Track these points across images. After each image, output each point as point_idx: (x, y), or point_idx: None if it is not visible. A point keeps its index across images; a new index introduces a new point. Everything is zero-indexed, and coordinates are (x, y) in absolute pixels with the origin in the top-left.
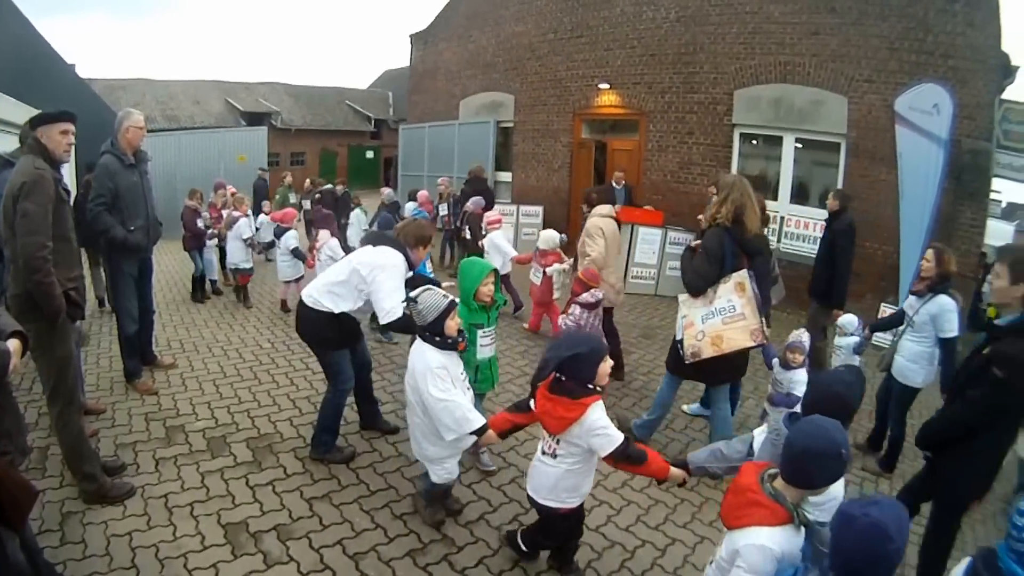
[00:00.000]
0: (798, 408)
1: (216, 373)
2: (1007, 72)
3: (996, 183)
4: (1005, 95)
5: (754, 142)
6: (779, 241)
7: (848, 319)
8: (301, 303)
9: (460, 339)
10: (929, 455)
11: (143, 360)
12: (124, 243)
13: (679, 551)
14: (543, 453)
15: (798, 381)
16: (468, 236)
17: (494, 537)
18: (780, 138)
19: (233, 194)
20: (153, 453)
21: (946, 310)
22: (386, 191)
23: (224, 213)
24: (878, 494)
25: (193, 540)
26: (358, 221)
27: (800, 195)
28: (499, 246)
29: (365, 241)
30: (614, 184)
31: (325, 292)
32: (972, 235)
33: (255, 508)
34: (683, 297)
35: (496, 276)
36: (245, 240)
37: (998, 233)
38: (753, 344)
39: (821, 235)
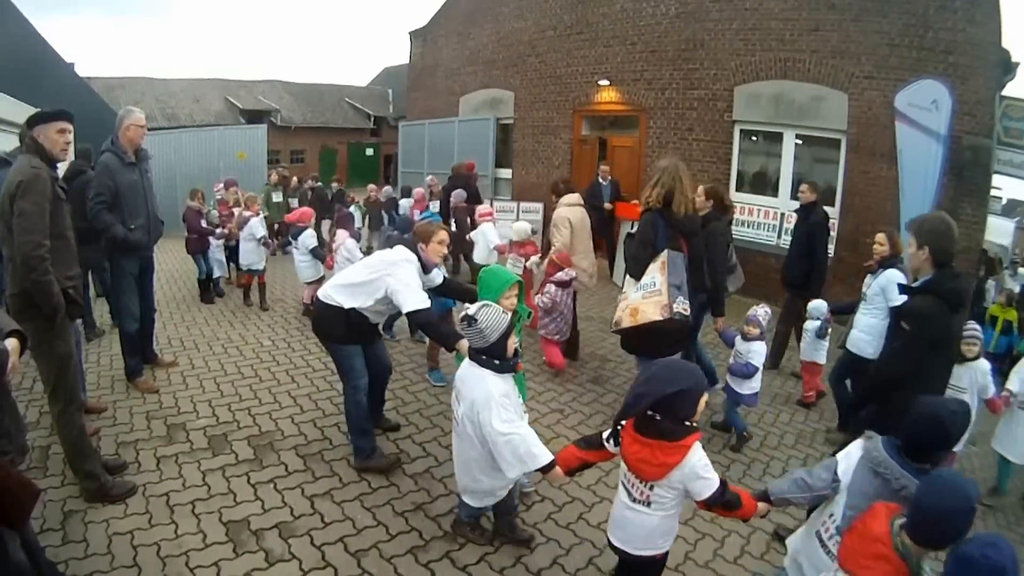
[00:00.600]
0: (871, 434)
1: (217, 371)
2: (1008, 68)
3: (996, 180)
4: (1005, 92)
5: (754, 139)
6: (779, 237)
7: (817, 304)
8: (317, 300)
9: (517, 359)
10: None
11: (144, 358)
12: (124, 241)
13: (680, 548)
14: (634, 500)
15: (755, 352)
16: (454, 229)
17: None
18: (780, 134)
19: (241, 193)
20: (154, 451)
21: (894, 281)
22: (385, 188)
23: (235, 211)
24: (992, 533)
25: (195, 538)
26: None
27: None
28: (488, 237)
29: (384, 245)
30: (600, 180)
31: (338, 288)
32: (973, 232)
33: (256, 506)
34: (627, 279)
35: (520, 289)
36: (258, 239)
37: (998, 229)
38: (660, 319)
39: (793, 227)
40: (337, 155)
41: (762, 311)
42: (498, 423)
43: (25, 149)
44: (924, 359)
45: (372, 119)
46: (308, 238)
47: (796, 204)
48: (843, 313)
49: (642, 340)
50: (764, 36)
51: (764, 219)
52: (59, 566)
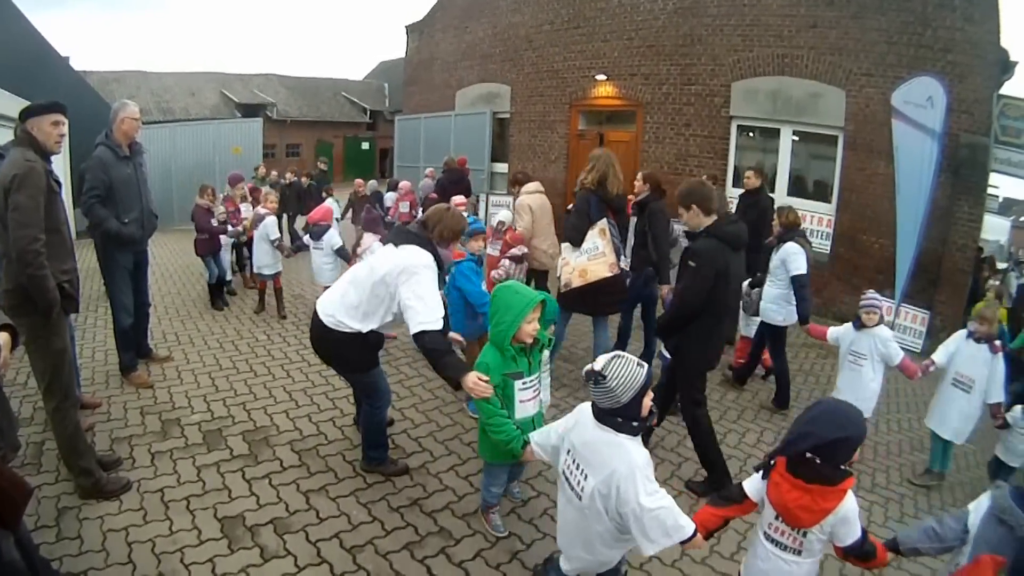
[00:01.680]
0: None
1: (212, 366)
2: (1006, 68)
3: (993, 178)
4: (1003, 90)
5: (751, 134)
6: None
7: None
8: (318, 322)
9: (653, 416)
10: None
11: (139, 353)
12: (118, 235)
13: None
14: (784, 548)
15: None
16: None
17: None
18: (777, 130)
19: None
20: (149, 447)
21: (791, 253)
22: (371, 182)
23: (243, 208)
24: None
25: (190, 534)
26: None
27: (797, 188)
28: None
29: (387, 240)
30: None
31: (349, 311)
32: (969, 229)
33: (251, 502)
34: (565, 246)
35: (543, 308)
36: (272, 241)
37: (995, 228)
38: (609, 274)
39: (736, 210)
40: (333, 149)
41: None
42: (645, 498)
43: (18, 142)
44: (711, 290)
45: (368, 113)
46: (334, 237)
47: (794, 200)
48: (760, 286)
49: (585, 299)
50: (762, 32)
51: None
52: (53, 563)
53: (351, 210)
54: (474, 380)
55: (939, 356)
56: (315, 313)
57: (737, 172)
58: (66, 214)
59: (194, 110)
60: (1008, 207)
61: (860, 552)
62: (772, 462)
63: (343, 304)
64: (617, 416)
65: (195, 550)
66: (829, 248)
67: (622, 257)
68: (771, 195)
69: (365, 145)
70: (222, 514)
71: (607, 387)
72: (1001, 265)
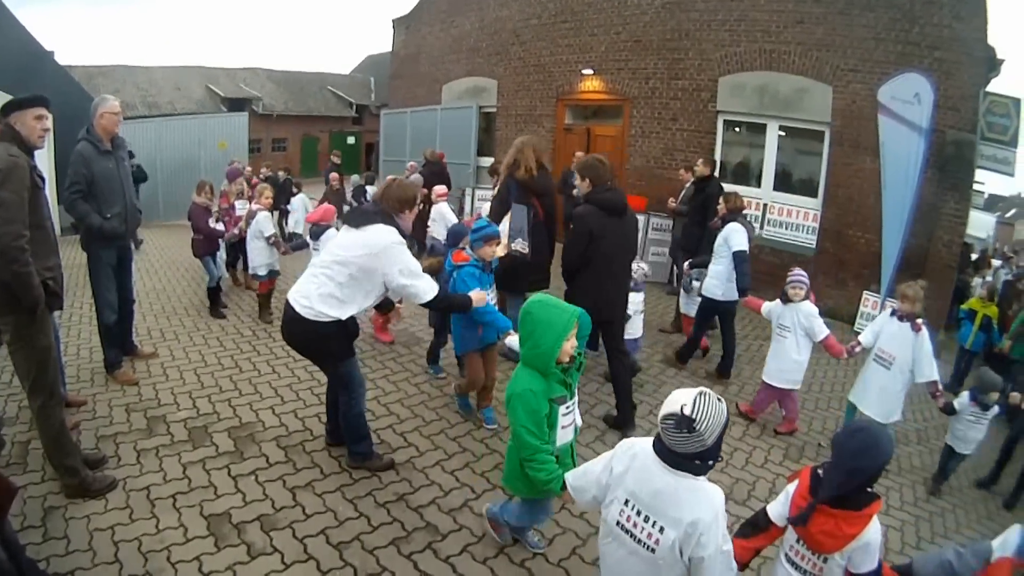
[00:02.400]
0: None
1: (197, 362)
2: (992, 65)
3: (979, 174)
4: (990, 88)
5: (737, 129)
6: (762, 228)
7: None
8: (293, 313)
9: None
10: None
11: (124, 350)
12: (100, 231)
13: None
14: (802, 573)
15: (632, 302)
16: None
17: (477, 525)
18: (764, 126)
19: (255, 183)
20: (134, 445)
21: (733, 231)
22: (353, 177)
23: (238, 206)
24: None
25: (176, 532)
26: (302, 207)
27: (783, 183)
28: (444, 215)
29: (346, 222)
30: (573, 168)
31: (325, 299)
32: (955, 225)
33: (238, 499)
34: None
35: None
36: (268, 238)
37: (980, 224)
38: (502, 254)
39: (690, 198)
40: (319, 143)
41: (635, 266)
42: (724, 543)
43: (1, 137)
44: (588, 249)
45: (354, 107)
46: (332, 237)
47: (780, 195)
48: (703, 267)
49: (508, 279)
50: (749, 27)
51: (746, 210)
52: (40, 564)
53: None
54: (479, 296)
55: (865, 337)
56: (288, 304)
57: (724, 167)
58: (50, 210)
59: (180, 104)
60: (993, 204)
61: None
62: (815, 506)
63: (319, 293)
64: (695, 459)
65: (182, 548)
66: (815, 243)
67: (519, 240)
68: (722, 183)
69: (351, 139)
70: (208, 511)
71: (697, 433)
72: (995, 262)
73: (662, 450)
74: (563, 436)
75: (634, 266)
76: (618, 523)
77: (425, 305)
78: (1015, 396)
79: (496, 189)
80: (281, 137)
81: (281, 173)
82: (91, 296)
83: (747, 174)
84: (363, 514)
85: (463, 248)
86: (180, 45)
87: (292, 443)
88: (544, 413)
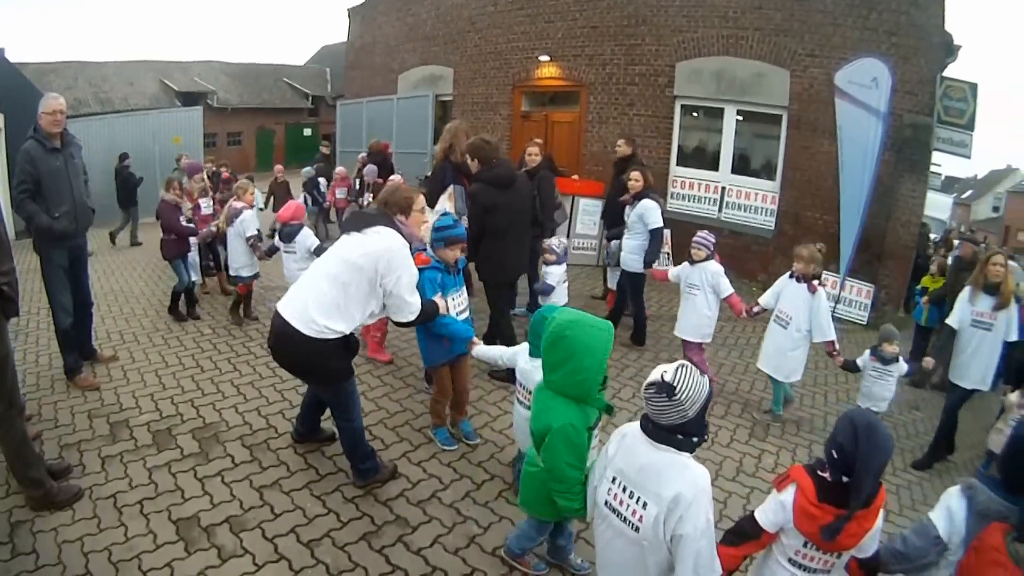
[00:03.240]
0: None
1: (158, 363)
2: (949, 51)
3: (936, 157)
4: (947, 73)
5: (695, 114)
6: (720, 211)
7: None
8: (292, 332)
9: (707, 432)
10: None
11: (83, 355)
12: (49, 231)
13: None
14: (811, 572)
15: (551, 273)
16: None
17: (447, 515)
18: (721, 110)
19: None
20: (98, 452)
21: (648, 208)
22: (305, 169)
23: (202, 204)
24: None
25: (145, 540)
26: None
27: (741, 166)
28: None
29: (347, 227)
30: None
31: (326, 312)
32: (913, 206)
33: (205, 501)
34: (425, 208)
35: None
36: (248, 239)
37: (938, 205)
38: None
39: (613, 178)
40: (275, 136)
41: (557, 241)
42: (704, 523)
43: None
44: (486, 220)
45: (310, 99)
46: (307, 238)
47: (738, 178)
48: (617, 238)
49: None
50: (707, 13)
51: (704, 193)
52: None
53: (272, 198)
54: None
55: (765, 298)
56: (281, 319)
57: (681, 151)
58: (3, 213)
59: (133, 100)
60: (950, 185)
61: (873, 564)
62: (848, 516)
63: (321, 306)
64: (677, 433)
65: (152, 555)
66: (774, 225)
67: (464, 218)
68: (643, 162)
69: (307, 131)
70: (176, 516)
71: (677, 400)
72: (955, 242)
73: (647, 426)
74: (591, 456)
75: (555, 241)
76: (606, 503)
77: (402, 324)
78: (928, 361)
79: (432, 172)
80: (236, 131)
81: (222, 169)
82: (47, 301)
83: (705, 158)
84: (332, 510)
85: (423, 250)
86: (133, 39)
87: (257, 441)
88: (585, 444)
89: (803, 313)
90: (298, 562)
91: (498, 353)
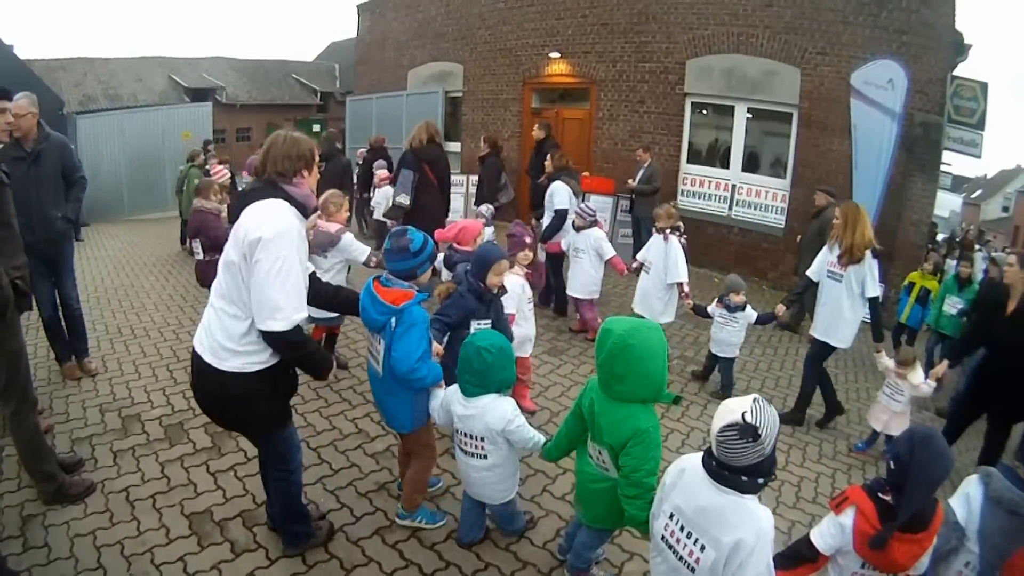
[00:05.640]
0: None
1: (169, 358)
2: (960, 50)
3: (946, 156)
4: (957, 72)
5: (705, 111)
6: (730, 209)
7: (484, 208)
8: (211, 371)
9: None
10: None
11: (75, 353)
12: None
13: None
14: None
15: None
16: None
17: (457, 509)
18: (732, 108)
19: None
20: (110, 446)
21: (555, 191)
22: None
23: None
24: None
25: (158, 534)
26: None
27: (752, 164)
28: (389, 199)
29: (232, 221)
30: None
31: (232, 333)
32: (923, 205)
33: (218, 495)
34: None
35: None
36: (367, 263)
37: (947, 204)
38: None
39: (643, 177)
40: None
41: (485, 207)
42: (766, 569)
43: None
44: (418, 190)
45: (319, 95)
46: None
47: (748, 176)
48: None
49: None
50: (717, 10)
51: (715, 190)
52: (23, 575)
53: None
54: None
55: (641, 253)
56: (200, 361)
57: (692, 148)
58: (14, 208)
59: (142, 96)
60: (959, 185)
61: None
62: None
63: (228, 332)
64: (744, 474)
65: (165, 549)
66: (784, 223)
67: (402, 195)
68: (557, 145)
69: (316, 127)
70: (189, 510)
71: (760, 442)
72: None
73: (710, 466)
74: None
75: (483, 207)
76: (663, 537)
77: (274, 345)
78: (780, 308)
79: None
80: (245, 127)
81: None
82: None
83: (715, 156)
84: (345, 505)
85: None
86: (141, 36)
87: None
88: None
89: (661, 260)
90: (312, 557)
91: (434, 404)
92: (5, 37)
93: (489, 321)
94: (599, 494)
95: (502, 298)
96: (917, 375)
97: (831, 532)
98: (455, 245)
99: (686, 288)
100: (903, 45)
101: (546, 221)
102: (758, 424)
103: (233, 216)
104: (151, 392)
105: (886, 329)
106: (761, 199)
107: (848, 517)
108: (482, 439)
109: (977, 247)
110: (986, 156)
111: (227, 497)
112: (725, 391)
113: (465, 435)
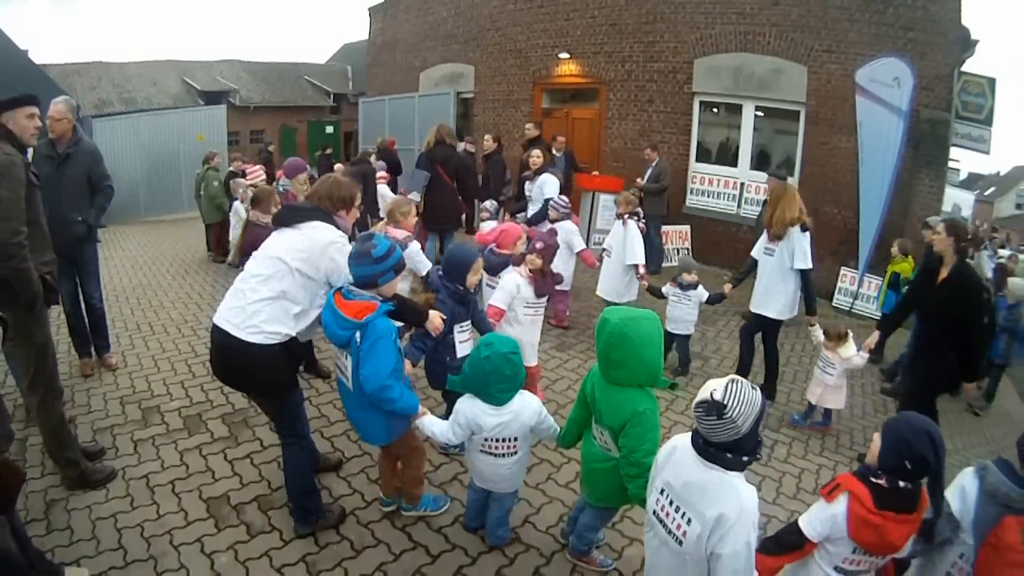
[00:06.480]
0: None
1: (187, 353)
2: (966, 46)
3: (954, 152)
4: (964, 68)
5: (714, 110)
6: (739, 207)
7: (488, 204)
8: (230, 340)
9: (761, 449)
10: None
11: (96, 349)
12: None
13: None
14: (847, 575)
15: (484, 226)
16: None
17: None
18: (740, 106)
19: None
20: (131, 435)
21: (546, 181)
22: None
23: None
24: None
25: (176, 517)
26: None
27: (760, 162)
28: (384, 197)
29: (279, 222)
30: (554, 151)
31: (272, 312)
32: (930, 202)
33: (235, 481)
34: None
35: None
36: (424, 277)
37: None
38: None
39: (652, 175)
40: (297, 134)
41: (490, 203)
42: (744, 546)
43: None
44: (435, 193)
45: (332, 96)
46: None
47: (757, 174)
48: (521, 211)
49: (427, 219)
50: (724, 9)
51: (724, 188)
52: (46, 555)
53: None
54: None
55: (606, 242)
56: (217, 329)
57: (700, 147)
58: (43, 207)
59: (156, 99)
60: (973, 182)
61: (907, 561)
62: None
63: (258, 309)
64: (728, 451)
65: (183, 531)
66: None
67: (412, 192)
68: (548, 144)
69: (329, 129)
70: (207, 495)
71: (728, 418)
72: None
73: (697, 443)
74: None
75: (488, 203)
76: (654, 512)
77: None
78: (726, 287)
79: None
80: (259, 129)
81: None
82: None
83: (724, 154)
84: (356, 490)
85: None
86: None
87: None
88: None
89: (620, 243)
90: (324, 538)
91: (443, 429)
92: (20, 42)
93: (468, 322)
94: (603, 474)
95: (494, 290)
96: (848, 348)
97: (821, 520)
98: (495, 248)
99: (642, 270)
100: (909, 42)
101: (533, 209)
102: (726, 402)
103: (283, 218)
104: (170, 385)
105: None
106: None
107: (840, 504)
108: (515, 439)
109: (984, 246)
110: (1000, 153)
111: (243, 483)
112: (683, 368)
113: (497, 440)
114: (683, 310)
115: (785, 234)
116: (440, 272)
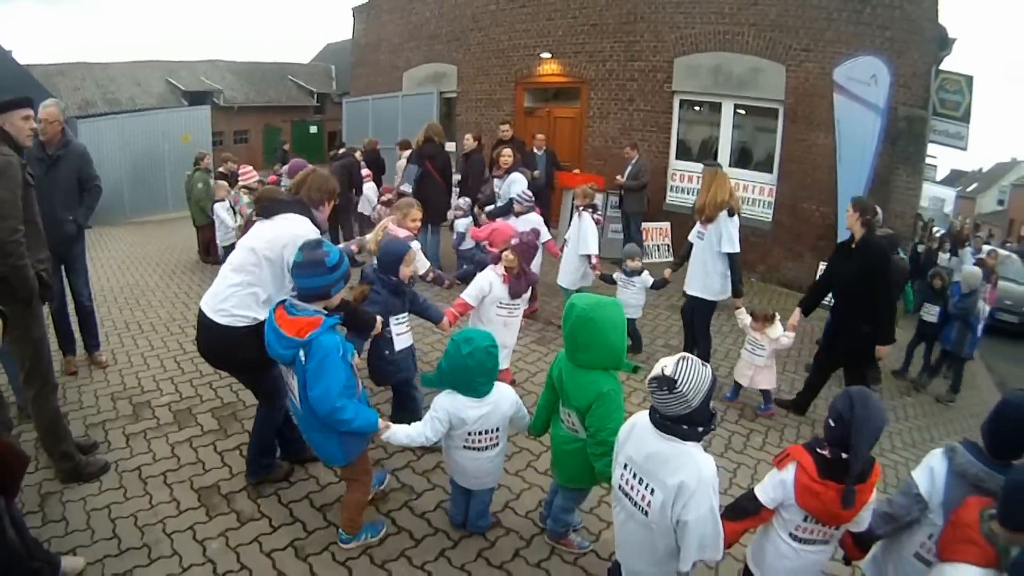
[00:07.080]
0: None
1: (176, 350)
2: (944, 44)
3: (932, 148)
4: (942, 66)
5: (695, 108)
6: None
7: (462, 201)
8: (210, 324)
9: (716, 420)
10: None
11: (86, 347)
12: None
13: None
14: (811, 544)
15: (459, 223)
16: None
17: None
18: (719, 104)
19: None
20: (123, 430)
21: (514, 180)
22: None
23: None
24: None
25: (169, 506)
26: (228, 213)
27: (740, 159)
28: (370, 199)
29: (259, 214)
30: (535, 150)
31: (243, 298)
32: (908, 197)
33: (225, 472)
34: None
35: None
36: (424, 277)
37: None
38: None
39: (631, 172)
40: (281, 134)
41: (463, 200)
42: (708, 511)
43: None
44: (425, 188)
45: (316, 96)
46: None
47: (737, 171)
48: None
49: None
50: (703, 9)
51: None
52: (44, 544)
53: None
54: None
55: (566, 234)
56: (204, 317)
57: (681, 145)
58: (39, 206)
59: (140, 100)
60: (955, 179)
61: (867, 538)
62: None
63: (230, 294)
64: (683, 423)
65: (175, 520)
66: (771, 216)
67: (404, 184)
68: (520, 144)
69: (313, 129)
70: (198, 485)
71: (679, 392)
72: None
73: (654, 416)
74: None
75: (462, 200)
76: (620, 487)
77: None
78: (667, 271)
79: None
80: (243, 129)
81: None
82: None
83: (703, 151)
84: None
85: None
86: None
87: None
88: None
89: (576, 233)
90: (312, 524)
91: (417, 431)
92: (4, 43)
93: (406, 314)
94: (571, 455)
95: (468, 285)
96: (775, 329)
97: (773, 487)
98: (487, 246)
99: (594, 260)
100: (887, 40)
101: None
102: (676, 377)
103: (263, 210)
104: (160, 381)
105: None
106: (749, 194)
107: (789, 472)
108: (496, 429)
109: (967, 243)
110: (982, 149)
111: (233, 473)
112: (635, 343)
113: (480, 433)
114: (629, 294)
115: (715, 218)
116: (373, 266)
